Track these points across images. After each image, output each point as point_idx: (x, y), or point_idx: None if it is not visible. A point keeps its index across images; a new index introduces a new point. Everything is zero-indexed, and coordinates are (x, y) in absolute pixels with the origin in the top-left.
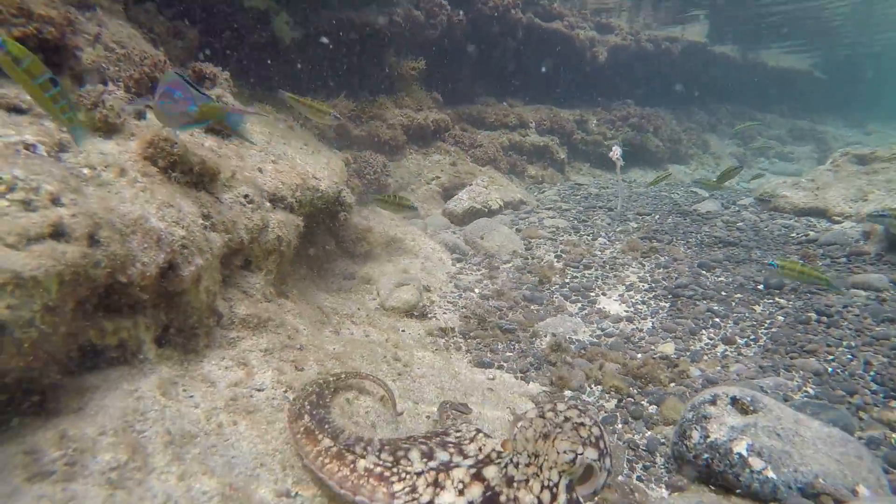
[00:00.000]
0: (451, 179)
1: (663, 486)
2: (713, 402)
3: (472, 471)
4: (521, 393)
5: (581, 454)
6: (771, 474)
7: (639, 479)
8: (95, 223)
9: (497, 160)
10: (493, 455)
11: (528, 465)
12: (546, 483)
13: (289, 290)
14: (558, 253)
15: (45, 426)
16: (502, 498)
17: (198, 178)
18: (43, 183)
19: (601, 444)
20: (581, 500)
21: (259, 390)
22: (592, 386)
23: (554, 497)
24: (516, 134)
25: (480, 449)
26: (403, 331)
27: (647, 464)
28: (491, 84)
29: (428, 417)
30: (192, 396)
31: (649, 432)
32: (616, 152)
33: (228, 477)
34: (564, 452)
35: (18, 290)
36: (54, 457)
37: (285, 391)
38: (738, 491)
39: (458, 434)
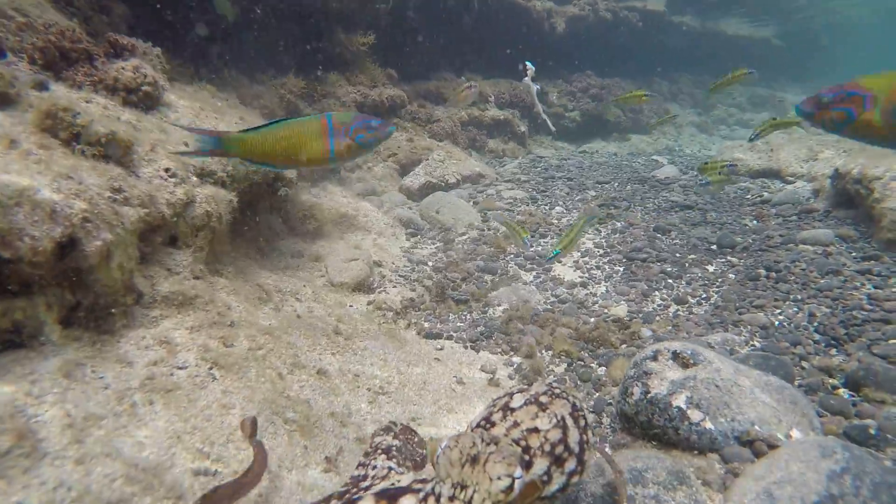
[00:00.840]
0: (409, 156)
1: (607, 445)
2: (654, 358)
3: None
4: (469, 363)
5: (519, 478)
6: (709, 425)
7: None
8: None
9: (455, 135)
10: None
11: (451, 501)
12: None
13: (224, 269)
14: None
15: None
16: None
17: (107, 151)
18: None
19: (557, 450)
20: None
21: (181, 368)
22: (543, 352)
23: None
24: (475, 108)
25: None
26: (351, 306)
27: (594, 424)
28: (448, 59)
29: (369, 390)
30: (102, 377)
31: (597, 394)
32: (529, 70)
33: (137, 458)
34: (498, 479)
35: None
36: None
37: (210, 368)
38: (676, 443)
39: (372, 476)
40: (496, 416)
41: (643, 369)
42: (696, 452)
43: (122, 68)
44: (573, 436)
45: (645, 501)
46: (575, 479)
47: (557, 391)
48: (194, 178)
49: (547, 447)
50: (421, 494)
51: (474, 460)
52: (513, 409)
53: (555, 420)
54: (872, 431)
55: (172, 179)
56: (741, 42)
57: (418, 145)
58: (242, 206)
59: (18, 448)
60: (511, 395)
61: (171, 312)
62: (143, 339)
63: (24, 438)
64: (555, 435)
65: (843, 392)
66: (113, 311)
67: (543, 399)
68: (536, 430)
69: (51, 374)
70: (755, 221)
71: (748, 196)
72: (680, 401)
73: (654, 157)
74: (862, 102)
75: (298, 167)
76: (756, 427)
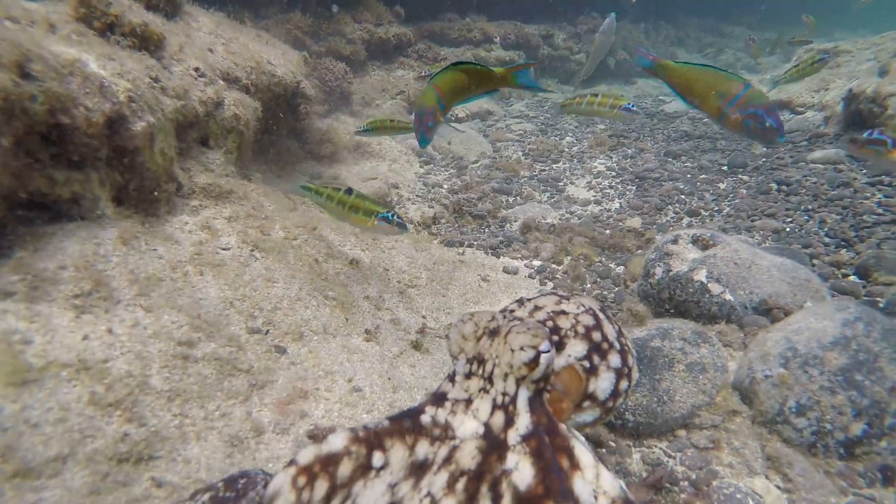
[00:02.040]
0: (416, 94)
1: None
2: (675, 242)
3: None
4: (491, 266)
5: (547, 351)
6: (728, 297)
7: None
8: (24, 54)
9: None
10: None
11: (468, 377)
12: (499, 400)
13: (252, 175)
14: (526, 151)
15: None
16: (424, 418)
17: (141, 43)
18: None
19: (596, 336)
20: (556, 421)
21: (225, 249)
22: (563, 256)
23: (510, 420)
24: (481, 49)
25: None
26: None
27: (614, 311)
28: (448, 2)
29: (399, 282)
30: (155, 249)
31: (617, 288)
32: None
33: (198, 312)
34: (521, 350)
35: None
36: (13, 279)
37: (251, 250)
38: (698, 316)
39: None
40: (513, 306)
41: (664, 251)
42: (716, 321)
43: None
44: (609, 329)
45: (672, 352)
46: (623, 384)
47: (577, 293)
48: (221, 82)
49: (580, 329)
50: (432, 391)
51: (493, 333)
52: (530, 299)
53: (583, 307)
54: (881, 305)
55: (202, 79)
56: None
57: (426, 83)
58: (265, 121)
59: (97, 292)
60: (526, 297)
61: (209, 203)
62: (185, 224)
63: (100, 285)
64: (587, 319)
65: (854, 279)
66: (157, 195)
67: (562, 293)
68: (564, 312)
69: (111, 241)
70: (765, 148)
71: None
72: (701, 276)
73: (661, 98)
74: None
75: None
76: (773, 298)
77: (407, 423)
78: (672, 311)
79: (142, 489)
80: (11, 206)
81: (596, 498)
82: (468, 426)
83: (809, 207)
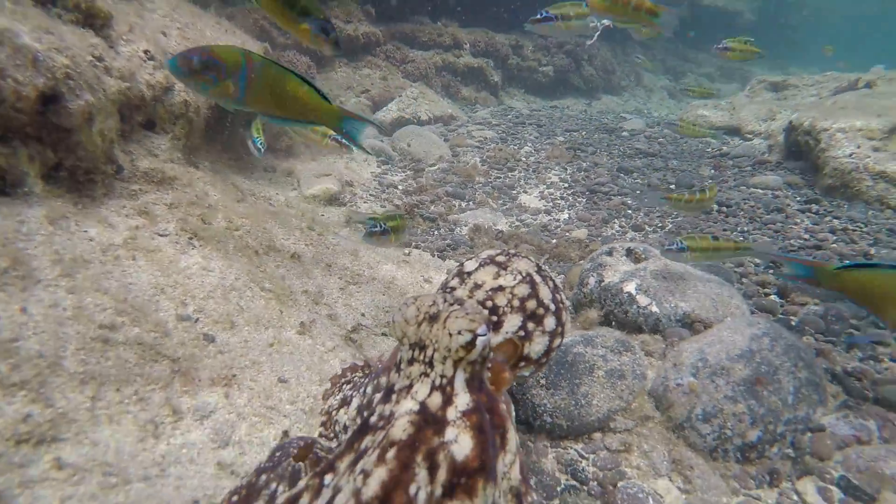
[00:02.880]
0: (382, 93)
1: None
2: (609, 254)
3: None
4: (436, 267)
5: (483, 335)
6: (655, 309)
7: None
8: None
9: (429, 77)
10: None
11: (410, 363)
12: (437, 382)
13: (200, 163)
14: (484, 158)
15: None
16: (372, 420)
17: (86, 19)
18: None
19: (529, 305)
20: (497, 400)
21: (162, 235)
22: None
23: (449, 399)
24: (450, 54)
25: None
26: (323, 215)
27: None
28: (422, 4)
29: (340, 278)
30: (86, 231)
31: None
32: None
33: (125, 297)
34: (458, 334)
35: None
36: None
37: (190, 238)
38: (625, 324)
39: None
40: (454, 282)
41: (598, 262)
42: (642, 331)
43: None
44: (544, 292)
45: (593, 358)
46: (557, 341)
47: (513, 252)
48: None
49: (516, 303)
50: (374, 374)
51: (433, 318)
52: (469, 273)
53: (519, 276)
54: (793, 323)
55: (151, 62)
56: (714, 12)
57: (392, 84)
58: (218, 109)
59: (14, 270)
60: (461, 263)
61: (150, 188)
62: (123, 208)
63: (18, 263)
64: (522, 290)
65: (774, 298)
66: (93, 177)
67: (500, 259)
68: (501, 287)
69: (37, 219)
70: (713, 170)
71: (708, 149)
72: (630, 287)
73: (623, 115)
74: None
75: None
76: (696, 312)
77: (358, 436)
78: (601, 319)
79: (40, 470)
80: None
81: (501, 481)
82: (404, 406)
83: (745, 229)
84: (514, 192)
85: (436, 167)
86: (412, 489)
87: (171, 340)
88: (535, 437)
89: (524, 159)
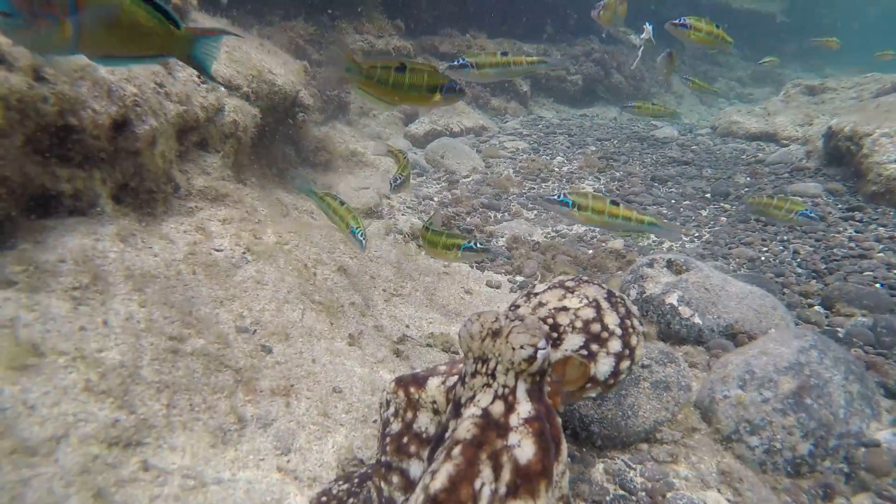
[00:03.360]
0: (413, 106)
1: None
2: (650, 265)
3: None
4: (475, 279)
5: (543, 349)
6: (697, 320)
7: None
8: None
9: None
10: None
11: (474, 376)
12: (500, 391)
13: (248, 179)
14: (517, 169)
15: (1, 251)
16: (447, 434)
17: None
18: None
19: (595, 328)
20: (554, 412)
21: (218, 250)
22: (544, 273)
23: (511, 407)
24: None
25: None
26: None
27: None
28: (452, 17)
29: (384, 290)
30: (151, 247)
31: None
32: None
33: (190, 309)
34: (521, 348)
35: None
36: (16, 270)
37: (244, 252)
38: (667, 336)
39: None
40: (520, 301)
41: (639, 274)
42: (685, 343)
43: None
44: (611, 317)
45: (639, 370)
46: (625, 363)
47: (585, 278)
48: (223, 89)
49: (578, 324)
50: (445, 375)
51: (496, 334)
52: (536, 294)
53: (586, 300)
54: (840, 335)
55: (204, 86)
56: (745, 15)
57: None
58: (263, 128)
59: (94, 285)
60: (533, 285)
61: (205, 205)
62: (181, 225)
63: (98, 279)
64: (587, 313)
65: (819, 308)
66: (155, 195)
67: (570, 284)
68: (565, 308)
69: (109, 237)
70: (749, 178)
71: (743, 156)
72: (672, 299)
73: (653, 123)
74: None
75: None
76: (739, 323)
77: (432, 451)
78: (657, 335)
79: (129, 471)
80: (17, 200)
81: (555, 489)
82: (468, 412)
83: (785, 238)
84: None
85: (470, 178)
86: (477, 483)
87: (233, 351)
88: (581, 447)
89: (557, 169)
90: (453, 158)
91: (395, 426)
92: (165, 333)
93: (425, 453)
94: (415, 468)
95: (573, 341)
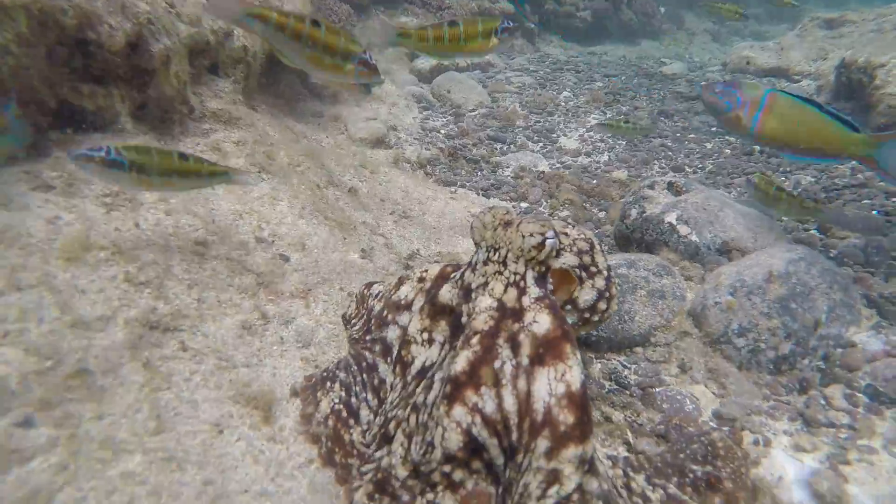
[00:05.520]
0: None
1: None
2: (651, 187)
3: (426, 308)
4: (481, 204)
5: (552, 238)
6: (694, 238)
7: None
8: None
9: None
10: (448, 271)
11: (486, 264)
12: (511, 279)
13: (258, 106)
14: (523, 103)
15: (36, 159)
16: (462, 319)
17: None
18: None
19: (587, 259)
20: (556, 300)
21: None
22: (549, 200)
23: (522, 291)
24: (486, 0)
25: (422, 278)
26: (371, 157)
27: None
28: None
29: (393, 213)
30: None
31: (598, 230)
32: None
33: (210, 219)
34: (531, 235)
35: None
36: (52, 175)
37: (258, 171)
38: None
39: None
40: (528, 217)
41: (640, 195)
42: (682, 258)
43: None
44: (601, 259)
45: (636, 279)
46: (602, 304)
47: (583, 229)
48: None
49: (575, 249)
50: (456, 276)
51: (508, 224)
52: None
53: (583, 236)
54: (833, 254)
55: None
56: None
57: None
58: (270, 55)
59: (123, 193)
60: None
61: (219, 127)
62: (197, 145)
63: (124, 190)
64: (583, 245)
65: (814, 233)
66: (171, 115)
67: (570, 223)
68: (566, 234)
69: None
70: None
71: None
72: (671, 217)
73: (662, 60)
74: None
75: None
76: (735, 241)
77: (453, 338)
78: (643, 248)
79: (171, 350)
80: (44, 112)
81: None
82: (483, 303)
83: (787, 169)
84: (554, 135)
85: (476, 112)
86: (497, 363)
87: (254, 258)
88: (581, 348)
89: (563, 104)
90: (459, 93)
91: (378, 306)
92: (191, 238)
93: (402, 317)
94: (391, 333)
95: (570, 259)
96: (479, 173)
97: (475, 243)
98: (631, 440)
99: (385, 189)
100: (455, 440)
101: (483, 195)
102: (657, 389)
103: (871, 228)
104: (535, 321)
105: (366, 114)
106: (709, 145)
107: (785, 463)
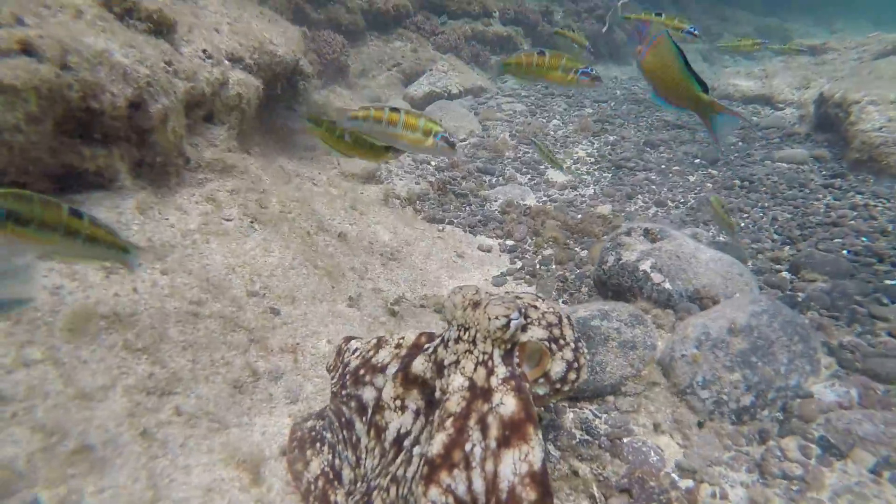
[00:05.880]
0: (412, 66)
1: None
2: (628, 234)
3: (399, 376)
4: (468, 242)
5: (516, 319)
6: (667, 285)
7: (564, 303)
8: (64, 49)
9: (459, 48)
10: (422, 341)
11: (457, 342)
12: (480, 358)
13: (252, 149)
14: (513, 132)
15: None
16: (437, 394)
17: (156, 27)
18: (2, 4)
19: (556, 332)
20: (526, 376)
21: (227, 220)
22: (533, 237)
23: (490, 371)
24: (479, 23)
25: (399, 345)
26: (362, 193)
27: (573, 292)
28: None
29: (381, 255)
30: (167, 218)
31: (578, 270)
32: None
33: (205, 276)
34: (496, 318)
35: (2, 97)
36: None
37: (251, 222)
38: (639, 299)
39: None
40: (500, 292)
41: (617, 242)
42: (655, 306)
43: None
44: (569, 332)
45: (609, 331)
46: (572, 375)
47: (553, 301)
48: (227, 62)
49: (544, 322)
50: (431, 346)
51: (476, 305)
52: (510, 293)
53: (552, 310)
54: (800, 299)
55: (209, 60)
56: None
57: (422, 56)
58: (265, 98)
59: None
60: (514, 294)
61: (213, 176)
62: (193, 196)
63: None
64: (551, 318)
65: (786, 274)
66: (169, 168)
67: (540, 297)
68: (535, 307)
69: (130, 210)
70: (741, 143)
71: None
72: (646, 265)
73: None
74: None
75: None
76: (706, 288)
77: (429, 411)
78: (619, 294)
79: (166, 415)
80: (48, 178)
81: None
82: (456, 381)
83: (766, 205)
84: (542, 167)
85: (466, 142)
86: (468, 446)
87: (245, 314)
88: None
89: (552, 133)
90: (451, 121)
91: (355, 363)
92: (186, 298)
93: (377, 380)
94: (367, 394)
95: (539, 333)
96: (466, 208)
97: (447, 321)
98: (596, 494)
99: (374, 231)
100: None
101: (470, 232)
102: (625, 440)
103: (837, 272)
104: (502, 403)
105: None
106: (692, 178)
107: None
